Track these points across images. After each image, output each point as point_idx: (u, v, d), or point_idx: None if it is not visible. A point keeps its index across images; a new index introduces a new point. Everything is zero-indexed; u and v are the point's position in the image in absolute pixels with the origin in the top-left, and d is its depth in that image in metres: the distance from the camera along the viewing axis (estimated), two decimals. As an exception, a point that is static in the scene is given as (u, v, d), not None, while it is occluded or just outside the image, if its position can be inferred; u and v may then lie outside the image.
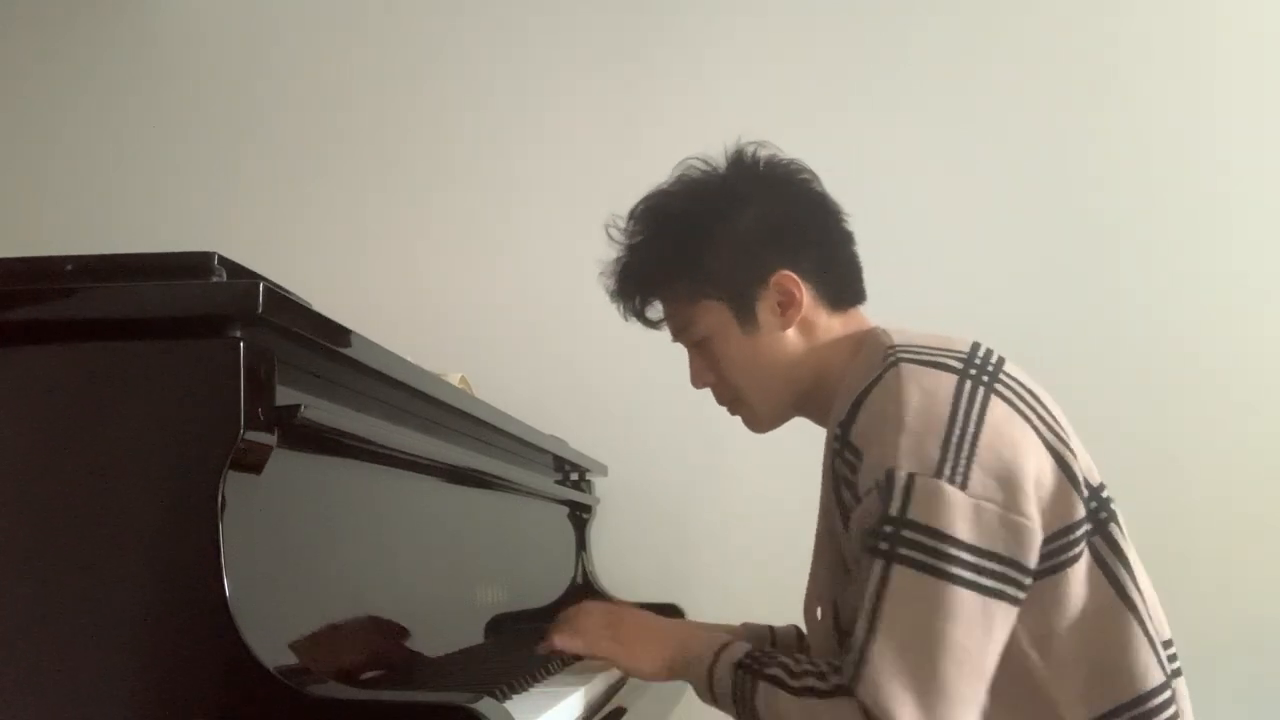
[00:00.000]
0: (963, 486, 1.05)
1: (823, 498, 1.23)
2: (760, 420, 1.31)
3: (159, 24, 2.68)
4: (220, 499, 0.83)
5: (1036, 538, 1.07)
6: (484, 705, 0.82)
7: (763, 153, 1.28)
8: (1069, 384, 2.27)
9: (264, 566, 0.89)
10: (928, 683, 1.01)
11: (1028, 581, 1.07)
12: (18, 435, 0.86)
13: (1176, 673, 1.17)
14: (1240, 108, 2.36)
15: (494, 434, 1.58)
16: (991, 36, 2.43)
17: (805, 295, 1.24)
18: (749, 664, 1.15)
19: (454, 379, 1.93)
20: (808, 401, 1.28)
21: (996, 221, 2.38)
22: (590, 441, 2.14)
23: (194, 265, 0.87)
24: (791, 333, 1.25)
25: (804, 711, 1.08)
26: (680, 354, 1.35)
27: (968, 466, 1.06)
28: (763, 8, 2.49)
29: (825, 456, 1.21)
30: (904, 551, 1.03)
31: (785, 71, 2.46)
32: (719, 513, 2.31)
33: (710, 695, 1.18)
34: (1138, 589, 1.13)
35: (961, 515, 1.04)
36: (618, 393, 2.36)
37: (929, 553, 1.03)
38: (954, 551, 1.03)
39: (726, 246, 1.24)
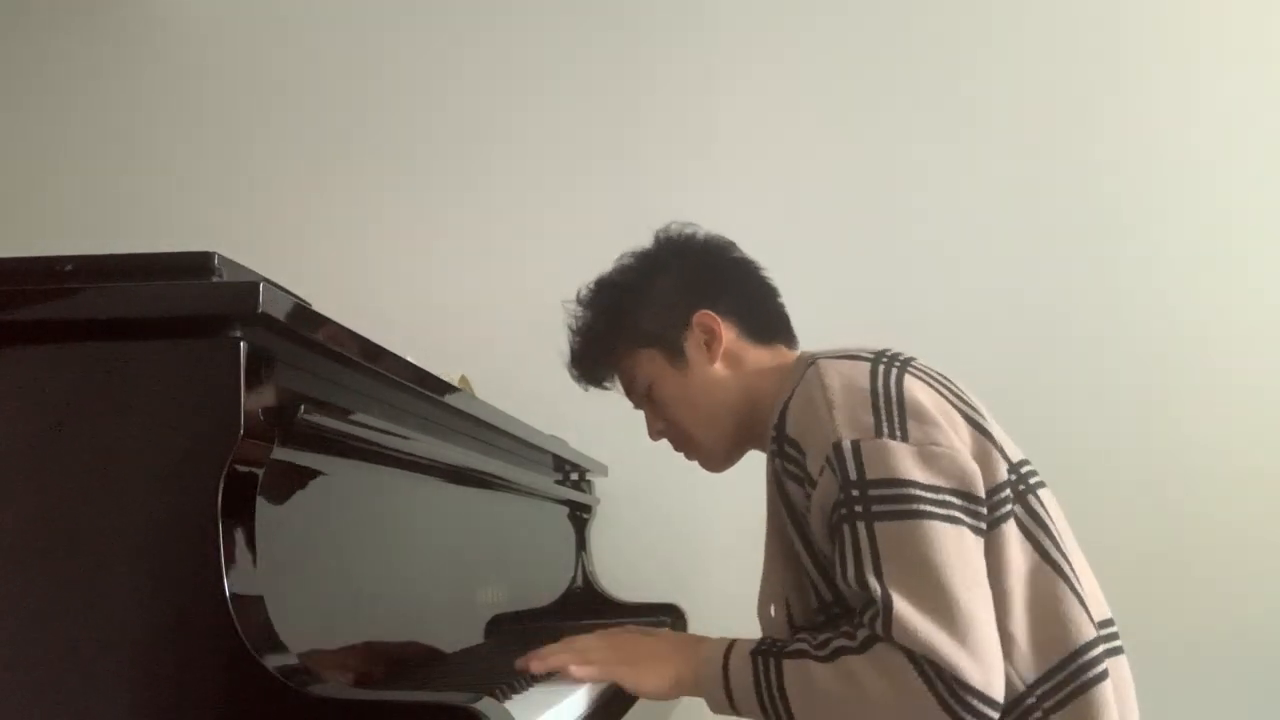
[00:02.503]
0: (903, 439, 1.15)
1: (769, 503, 1.32)
2: (711, 455, 1.42)
3: (160, 24, 2.68)
4: (220, 499, 0.83)
5: (979, 474, 1.16)
6: (484, 705, 0.82)
7: (686, 230, 1.44)
8: (1072, 384, 2.31)
9: (264, 566, 0.89)
10: (949, 610, 1.07)
11: (984, 511, 1.16)
12: (18, 435, 0.86)
13: (1116, 650, 1.23)
14: (1240, 108, 2.36)
15: (494, 434, 1.58)
16: (994, 38, 2.44)
17: (726, 330, 1.37)
18: (766, 649, 1.17)
19: (454, 379, 1.93)
20: (750, 431, 1.38)
21: (998, 224, 2.38)
22: (590, 441, 2.14)
23: (194, 265, 0.87)
24: (719, 366, 1.37)
25: (842, 673, 1.10)
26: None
27: (902, 421, 1.16)
28: (762, 13, 2.49)
29: (768, 464, 1.30)
30: (877, 509, 1.12)
31: (784, 75, 2.46)
32: (719, 513, 2.31)
33: (728, 699, 1.18)
34: (1063, 555, 1.21)
35: (911, 462, 1.14)
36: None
37: (897, 500, 1.12)
38: (916, 492, 1.12)
39: (652, 302, 1.40)
